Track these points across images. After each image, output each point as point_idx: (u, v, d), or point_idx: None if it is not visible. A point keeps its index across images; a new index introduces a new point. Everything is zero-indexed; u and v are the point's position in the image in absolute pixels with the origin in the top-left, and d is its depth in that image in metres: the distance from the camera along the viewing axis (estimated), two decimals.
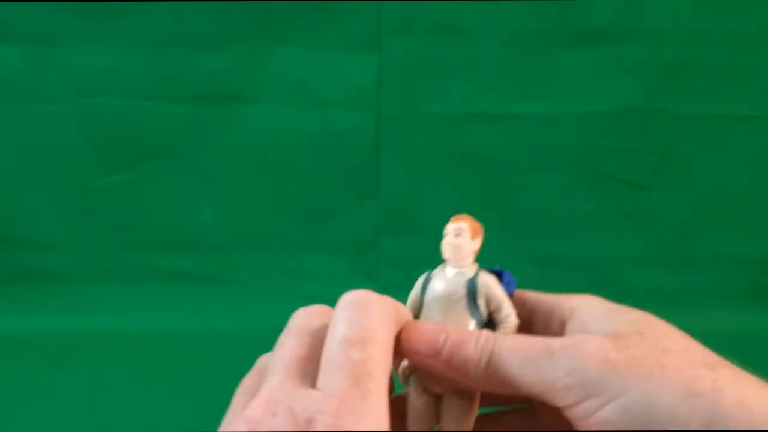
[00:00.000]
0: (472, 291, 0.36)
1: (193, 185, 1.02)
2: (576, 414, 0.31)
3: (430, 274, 0.38)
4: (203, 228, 1.03)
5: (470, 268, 0.37)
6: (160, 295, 1.02)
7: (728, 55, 0.97)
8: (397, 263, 1.03)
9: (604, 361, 0.30)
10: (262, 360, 0.33)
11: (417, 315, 0.38)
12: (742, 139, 1.00)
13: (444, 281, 0.37)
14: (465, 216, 0.38)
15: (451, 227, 0.38)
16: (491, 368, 0.32)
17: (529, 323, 0.39)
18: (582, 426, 0.31)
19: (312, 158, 1.01)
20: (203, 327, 0.97)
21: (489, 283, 0.37)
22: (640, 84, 0.98)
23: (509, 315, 0.36)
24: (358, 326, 0.29)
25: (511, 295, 0.37)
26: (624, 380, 0.30)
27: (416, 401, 0.37)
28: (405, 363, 0.37)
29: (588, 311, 0.35)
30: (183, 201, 1.02)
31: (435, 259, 1.11)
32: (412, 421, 0.37)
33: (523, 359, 0.32)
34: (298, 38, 0.97)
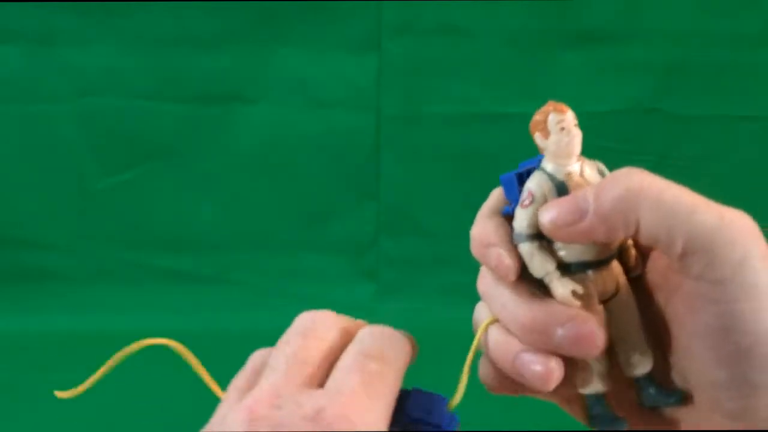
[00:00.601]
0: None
1: (193, 185, 1.02)
2: (692, 286, 0.29)
3: (551, 177, 0.32)
4: (203, 228, 1.03)
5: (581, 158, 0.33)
6: (160, 295, 1.02)
7: (727, 55, 0.97)
8: (397, 263, 1.03)
9: (764, 258, 0.28)
10: (257, 357, 0.32)
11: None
12: (741, 139, 1.00)
13: (580, 175, 0.32)
14: (561, 104, 0.33)
15: (565, 117, 0.32)
16: (654, 210, 0.29)
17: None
18: (682, 301, 0.29)
19: (312, 158, 1.01)
20: (203, 327, 0.97)
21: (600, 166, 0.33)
22: (639, 84, 0.98)
23: None
24: (380, 348, 0.29)
25: None
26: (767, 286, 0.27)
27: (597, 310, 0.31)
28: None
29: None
30: (183, 201, 1.02)
31: (435, 259, 1.10)
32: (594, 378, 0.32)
33: (691, 214, 0.29)
34: (298, 38, 0.97)
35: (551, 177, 0.31)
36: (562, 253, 0.31)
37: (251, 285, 1.04)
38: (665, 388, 0.31)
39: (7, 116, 0.98)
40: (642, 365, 0.31)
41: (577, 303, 0.30)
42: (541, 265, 0.31)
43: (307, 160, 1.01)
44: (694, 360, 0.29)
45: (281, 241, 1.04)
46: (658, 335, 0.32)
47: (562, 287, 0.30)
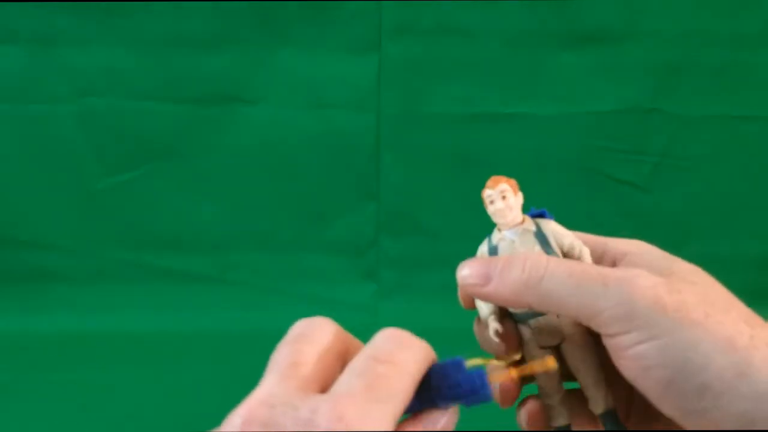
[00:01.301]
0: (544, 242, 0.37)
1: (193, 186, 1.02)
2: (615, 344, 0.32)
3: (490, 241, 0.38)
4: (203, 228, 1.03)
5: (526, 223, 0.37)
6: (160, 295, 1.02)
7: (727, 55, 0.97)
8: (397, 263, 1.03)
9: (656, 300, 0.31)
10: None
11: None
12: (741, 139, 1.00)
13: (515, 244, 0.37)
14: (499, 178, 0.38)
15: (493, 192, 0.37)
16: (542, 288, 0.33)
17: None
18: (617, 356, 0.33)
19: (312, 159, 1.01)
20: (203, 327, 0.98)
21: (554, 227, 0.37)
22: (639, 85, 0.98)
23: (582, 248, 0.37)
24: (390, 351, 0.29)
25: None
26: (671, 322, 0.31)
27: (536, 354, 0.37)
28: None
29: (642, 256, 0.36)
30: (184, 201, 1.02)
31: (435, 259, 1.11)
32: (542, 382, 0.38)
33: (577, 284, 0.33)
34: (299, 39, 0.97)
35: (489, 240, 0.38)
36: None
37: (251, 285, 1.04)
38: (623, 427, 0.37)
39: (7, 116, 0.98)
40: (596, 405, 0.37)
41: (496, 340, 0.36)
42: (482, 311, 0.37)
43: (308, 160, 1.01)
44: (649, 398, 0.32)
45: (281, 241, 1.04)
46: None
47: (489, 327, 0.37)
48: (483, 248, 0.38)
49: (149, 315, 0.99)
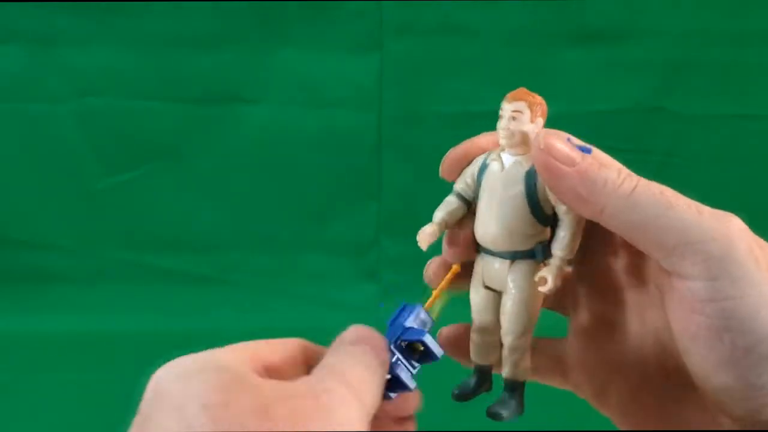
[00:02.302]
0: (530, 185, 0.32)
1: (193, 185, 1.01)
2: (690, 290, 0.28)
3: (488, 155, 0.34)
4: (204, 228, 1.03)
5: (529, 155, 0.32)
6: (160, 295, 1.02)
7: (731, 54, 0.96)
8: (398, 263, 1.02)
9: (751, 250, 0.27)
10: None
11: (472, 199, 0.34)
12: (746, 137, 0.99)
13: (500, 169, 0.32)
14: (522, 91, 0.33)
15: (507, 107, 0.32)
16: (630, 199, 0.28)
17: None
18: (685, 306, 0.28)
19: (313, 158, 1.01)
20: (204, 327, 0.97)
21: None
22: (643, 83, 0.98)
23: (570, 223, 0.32)
24: (343, 372, 0.29)
25: None
26: (762, 279, 0.27)
27: (475, 297, 0.34)
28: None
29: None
30: (184, 201, 1.02)
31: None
32: (474, 315, 0.35)
33: (669, 204, 0.28)
34: (300, 38, 0.96)
35: (488, 155, 0.34)
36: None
37: (252, 285, 1.03)
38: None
39: (7, 116, 0.98)
40: (505, 368, 0.33)
41: (420, 237, 0.34)
42: (436, 213, 0.35)
43: (308, 160, 1.01)
44: (695, 365, 0.29)
45: (282, 241, 1.03)
46: (661, 339, 0.32)
47: (426, 228, 0.34)
48: (478, 160, 0.34)
49: (149, 315, 0.99)
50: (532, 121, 0.32)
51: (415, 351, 0.32)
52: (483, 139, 0.35)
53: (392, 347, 0.31)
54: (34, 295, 1.02)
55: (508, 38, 0.96)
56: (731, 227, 0.28)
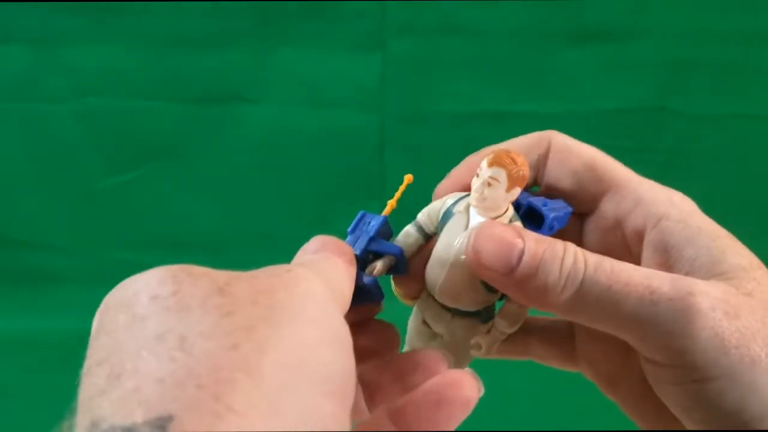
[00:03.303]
0: None
1: (195, 185, 1.01)
2: (658, 374, 0.28)
3: (457, 201, 0.32)
4: (205, 228, 1.03)
5: (503, 217, 0.30)
6: None
7: (735, 53, 0.96)
8: None
9: (715, 333, 0.26)
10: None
11: (431, 234, 0.33)
12: (750, 137, 0.99)
13: (464, 226, 0.31)
14: (506, 157, 0.30)
15: (486, 171, 0.30)
16: (576, 299, 0.27)
17: (595, 199, 0.33)
18: (659, 384, 0.28)
19: (315, 158, 1.01)
20: None
21: None
22: (647, 82, 0.97)
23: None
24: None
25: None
26: (730, 362, 0.26)
27: (412, 323, 0.34)
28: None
29: (681, 230, 0.30)
30: (185, 201, 1.02)
31: None
32: (407, 335, 0.34)
33: (619, 297, 0.27)
34: (302, 38, 0.96)
35: (456, 201, 0.32)
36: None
37: None
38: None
39: (8, 116, 0.98)
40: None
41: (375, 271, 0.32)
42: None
43: (310, 160, 1.00)
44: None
45: (284, 241, 1.03)
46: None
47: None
48: (446, 202, 0.32)
49: None
50: (507, 191, 0.30)
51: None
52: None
53: (357, 256, 0.30)
54: (35, 295, 1.01)
55: (511, 38, 0.95)
56: (692, 310, 0.26)
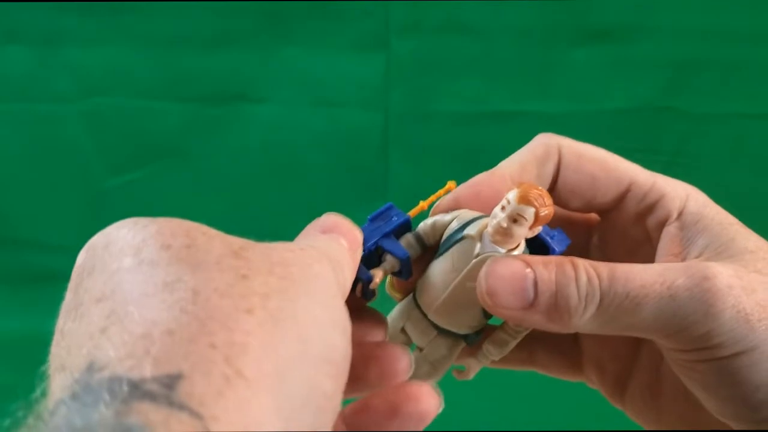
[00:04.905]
0: None
1: (200, 185, 1.01)
2: (685, 358, 0.28)
3: (470, 225, 0.30)
4: (211, 227, 1.03)
5: (515, 251, 0.30)
6: None
7: (740, 52, 0.95)
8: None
9: (738, 311, 0.27)
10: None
11: (430, 246, 0.32)
12: (755, 137, 0.98)
13: (474, 254, 0.30)
14: (537, 196, 0.28)
15: (514, 207, 0.28)
16: (598, 315, 0.27)
17: (616, 198, 0.33)
18: (686, 368, 0.29)
19: (319, 158, 1.00)
20: None
21: None
22: (651, 82, 0.97)
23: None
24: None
25: None
26: (756, 335, 0.27)
27: (392, 323, 0.33)
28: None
29: (701, 225, 0.31)
30: (190, 201, 1.02)
31: None
32: (389, 330, 0.33)
33: (639, 301, 0.27)
34: (306, 38, 0.96)
35: (468, 223, 0.31)
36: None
37: None
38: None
39: (13, 116, 0.98)
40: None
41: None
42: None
43: (315, 159, 1.00)
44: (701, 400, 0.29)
45: (289, 239, 1.03)
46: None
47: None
48: (459, 221, 0.31)
49: None
50: (530, 228, 0.29)
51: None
52: (498, 181, 0.33)
53: (366, 246, 0.30)
54: (41, 296, 1.01)
55: (515, 37, 0.95)
56: (711, 292, 0.27)
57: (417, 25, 0.95)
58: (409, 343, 0.33)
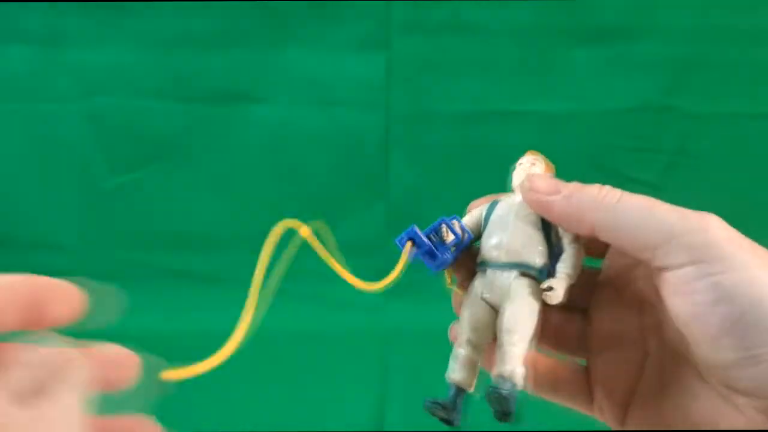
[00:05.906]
0: (547, 229, 0.36)
1: (201, 185, 1.01)
2: (679, 276, 0.31)
3: (496, 200, 0.38)
4: (211, 228, 1.03)
5: None
6: (168, 295, 1.02)
7: (741, 52, 0.95)
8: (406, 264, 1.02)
9: (732, 238, 0.31)
10: None
11: (478, 236, 0.38)
12: (756, 137, 0.98)
13: (513, 201, 0.37)
14: (536, 153, 0.38)
15: (528, 158, 0.38)
16: (616, 209, 0.33)
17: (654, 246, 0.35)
18: (677, 291, 0.31)
19: (321, 157, 1.01)
20: (207, 327, 0.97)
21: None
22: (652, 82, 0.97)
23: (572, 254, 0.36)
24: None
25: None
26: (745, 258, 0.30)
27: (470, 309, 0.38)
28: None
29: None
30: (191, 201, 1.02)
31: None
32: (464, 328, 0.37)
33: (651, 211, 0.32)
34: (307, 37, 0.96)
35: (495, 201, 0.39)
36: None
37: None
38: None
39: (14, 115, 0.98)
40: (498, 365, 0.35)
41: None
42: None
43: (316, 159, 1.00)
44: (698, 347, 0.31)
45: (290, 239, 1.03)
46: (665, 336, 0.35)
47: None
48: (483, 203, 0.39)
49: (156, 314, 0.98)
50: (545, 171, 0.38)
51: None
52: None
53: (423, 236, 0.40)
54: None
55: (517, 36, 0.95)
56: (711, 222, 0.31)
57: (418, 25, 0.95)
58: (491, 312, 0.36)
